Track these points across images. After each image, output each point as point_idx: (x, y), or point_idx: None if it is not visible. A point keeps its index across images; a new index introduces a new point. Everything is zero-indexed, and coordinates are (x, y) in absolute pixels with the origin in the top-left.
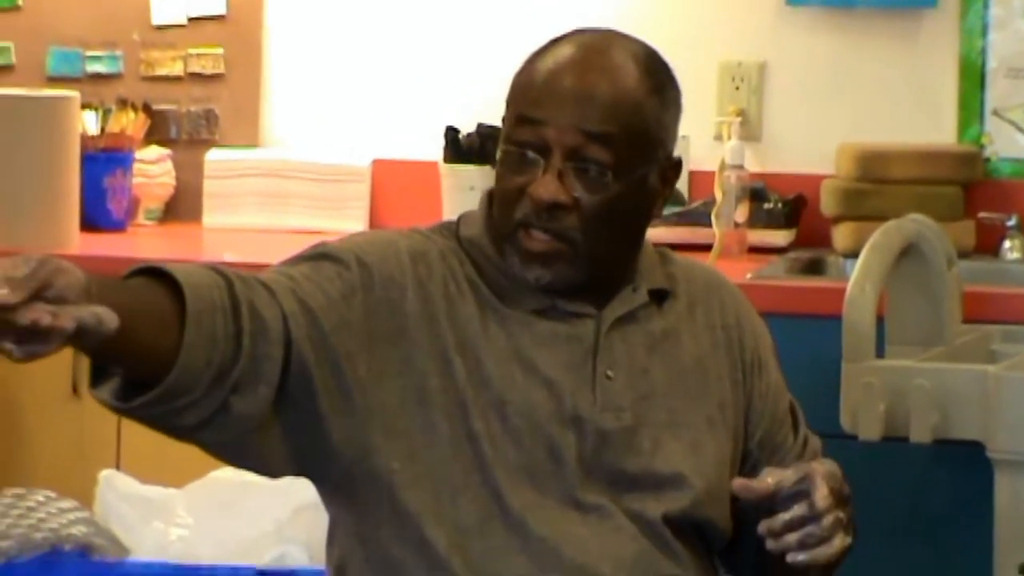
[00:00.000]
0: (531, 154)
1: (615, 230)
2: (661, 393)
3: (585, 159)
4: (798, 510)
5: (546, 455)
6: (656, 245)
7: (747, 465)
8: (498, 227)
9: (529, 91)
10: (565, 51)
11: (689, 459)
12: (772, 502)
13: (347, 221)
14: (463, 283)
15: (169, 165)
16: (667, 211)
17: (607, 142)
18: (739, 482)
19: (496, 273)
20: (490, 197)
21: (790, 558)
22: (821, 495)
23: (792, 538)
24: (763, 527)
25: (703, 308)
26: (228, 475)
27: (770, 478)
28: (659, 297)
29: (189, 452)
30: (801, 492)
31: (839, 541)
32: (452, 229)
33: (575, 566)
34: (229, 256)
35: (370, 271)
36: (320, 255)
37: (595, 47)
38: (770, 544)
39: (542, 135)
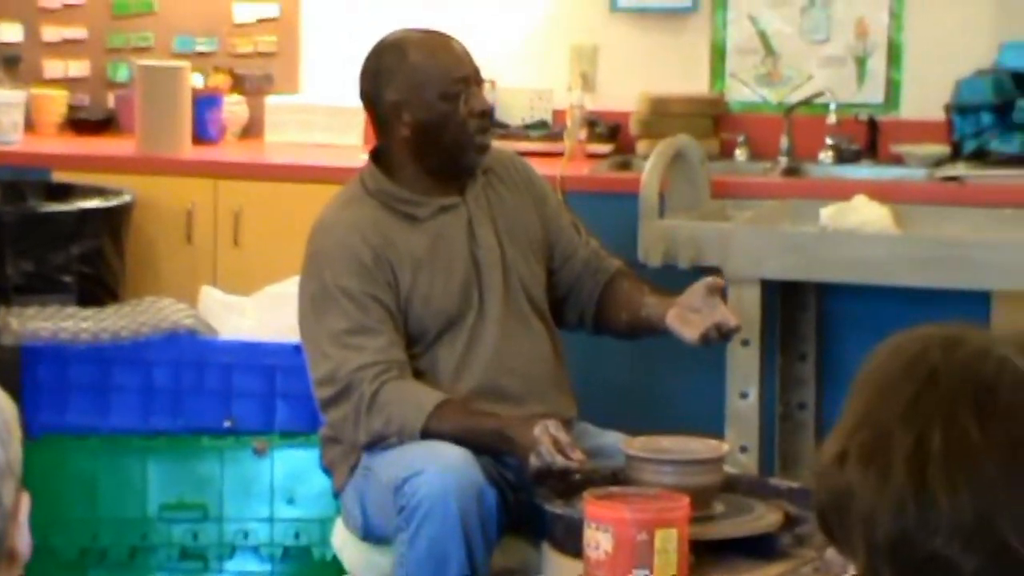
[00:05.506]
0: (469, 89)
1: None
2: (506, 230)
3: (480, 81)
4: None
5: (462, 283)
6: (520, 153)
7: (555, 253)
8: (456, 146)
9: (441, 66)
10: (429, 39)
11: (526, 267)
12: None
13: (348, 137)
14: (384, 221)
15: (244, 105)
16: (538, 131)
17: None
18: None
19: (400, 202)
20: (375, 155)
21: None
22: (735, 320)
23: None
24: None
25: (507, 174)
26: (276, 289)
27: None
28: (484, 172)
29: (254, 275)
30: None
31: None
32: (359, 190)
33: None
34: (278, 159)
35: (365, 275)
36: (357, 297)
37: (429, 31)
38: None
39: (466, 79)
